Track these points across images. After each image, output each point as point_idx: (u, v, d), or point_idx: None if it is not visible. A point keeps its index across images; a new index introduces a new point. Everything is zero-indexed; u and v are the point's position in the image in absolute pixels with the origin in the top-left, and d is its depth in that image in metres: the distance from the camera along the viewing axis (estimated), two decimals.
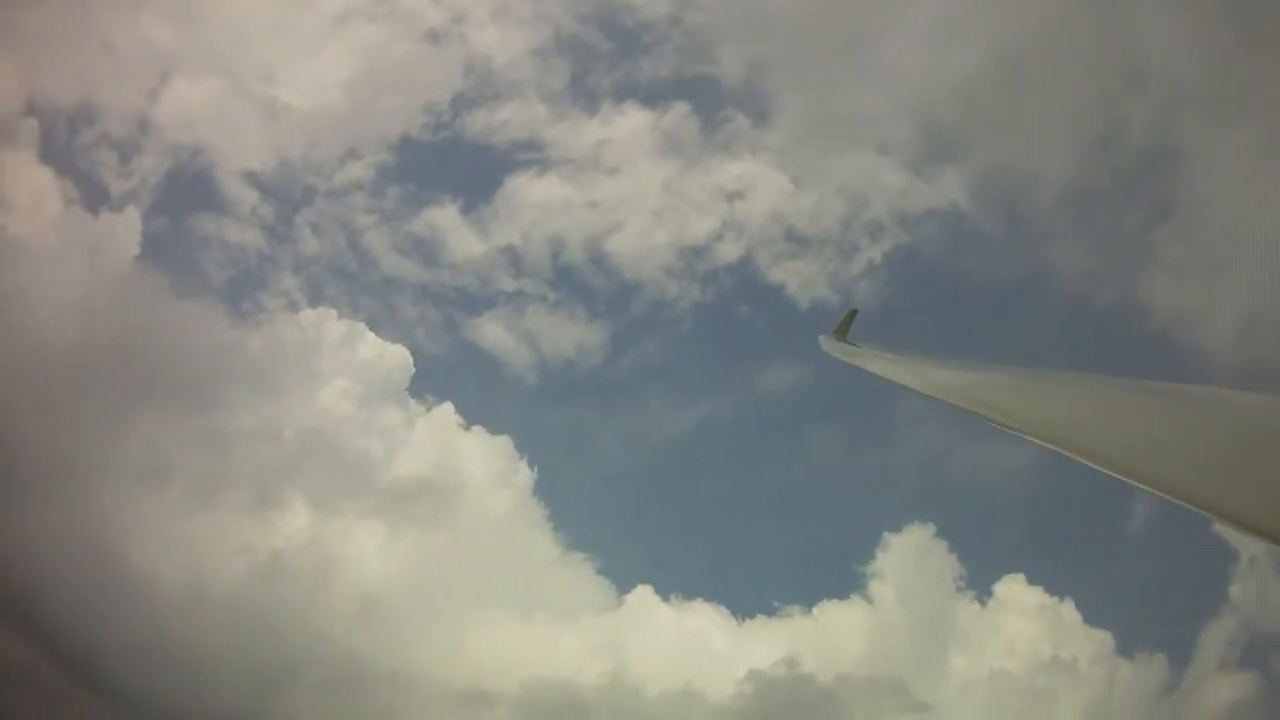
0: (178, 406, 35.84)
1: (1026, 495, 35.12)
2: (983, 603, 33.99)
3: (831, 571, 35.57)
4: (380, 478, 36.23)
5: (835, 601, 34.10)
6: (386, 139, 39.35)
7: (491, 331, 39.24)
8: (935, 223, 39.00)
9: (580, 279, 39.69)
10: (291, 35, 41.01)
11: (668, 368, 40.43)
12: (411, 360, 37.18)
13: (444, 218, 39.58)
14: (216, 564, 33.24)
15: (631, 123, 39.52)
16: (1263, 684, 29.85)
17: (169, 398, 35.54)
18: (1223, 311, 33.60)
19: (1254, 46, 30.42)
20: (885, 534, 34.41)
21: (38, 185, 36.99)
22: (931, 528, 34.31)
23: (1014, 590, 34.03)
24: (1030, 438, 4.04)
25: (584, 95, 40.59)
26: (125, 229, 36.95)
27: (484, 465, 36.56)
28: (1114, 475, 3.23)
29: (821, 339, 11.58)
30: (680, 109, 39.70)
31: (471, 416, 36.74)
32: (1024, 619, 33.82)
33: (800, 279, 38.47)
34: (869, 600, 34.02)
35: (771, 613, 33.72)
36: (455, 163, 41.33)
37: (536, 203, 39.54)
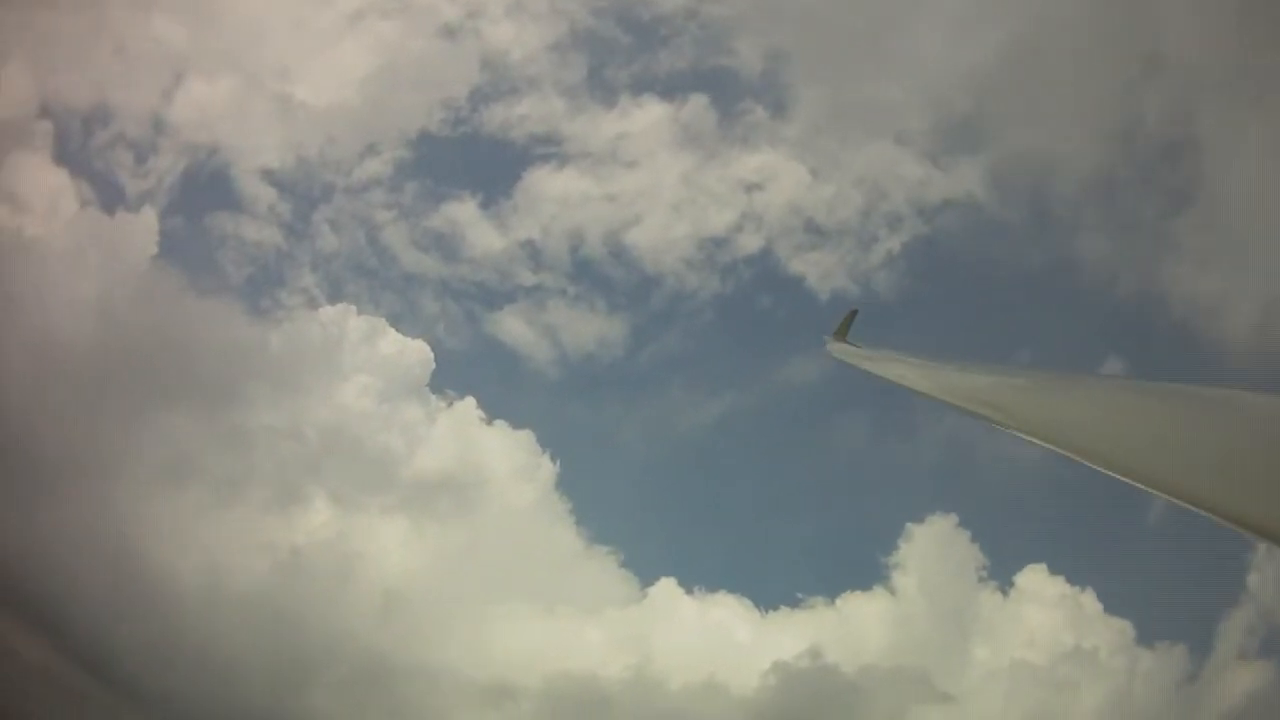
0: (197, 405, 35.90)
1: (1048, 485, 35.07)
2: (1005, 593, 34.02)
3: (854, 562, 35.61)
4: (402, 473, 36.29)
5: (858, 592, 34.14)
6: (404, 135, 39.38)
7: (512, 326, 39.28)
8: (954, 213, 39.02)
9: (600, 272, 39.75)
10: (306, 33, 41.09)
11: (689, 360, 40.45)
12: (432, 355, 37.24)
13: (463, 213, 39.62)
14: (238, 562, 33.29)
15: (649, 116, 39.52)
16: None
17: (189, 396, 35.59)
18: (1243, 300, 33.57)
19: (1274, 34, 30.37)
20: (908, 524, 34.44)
21: (53, 187, 37.06)
22: (954, 518, 34.34)
23: (1036, 580, 34.06)
24: (1030, 438, 4.05)
25: (601, 89, 40.63)
26: (142, 229, 37.03)
27: (506, 460, 36.61)
28: (1115, 476, 3.25)
29: (827, 343, 11.52)
30: (698, 101, 39.73)
31: (493, 411, 36.79)
32: (1045, 609, 33.85)
33: (820, 270, 38.50)
34: (892, 591, 34.05)
35: (795, 604, 33.76)
36: (473, 158, 41.38)
37: (555, 197, 39.57)
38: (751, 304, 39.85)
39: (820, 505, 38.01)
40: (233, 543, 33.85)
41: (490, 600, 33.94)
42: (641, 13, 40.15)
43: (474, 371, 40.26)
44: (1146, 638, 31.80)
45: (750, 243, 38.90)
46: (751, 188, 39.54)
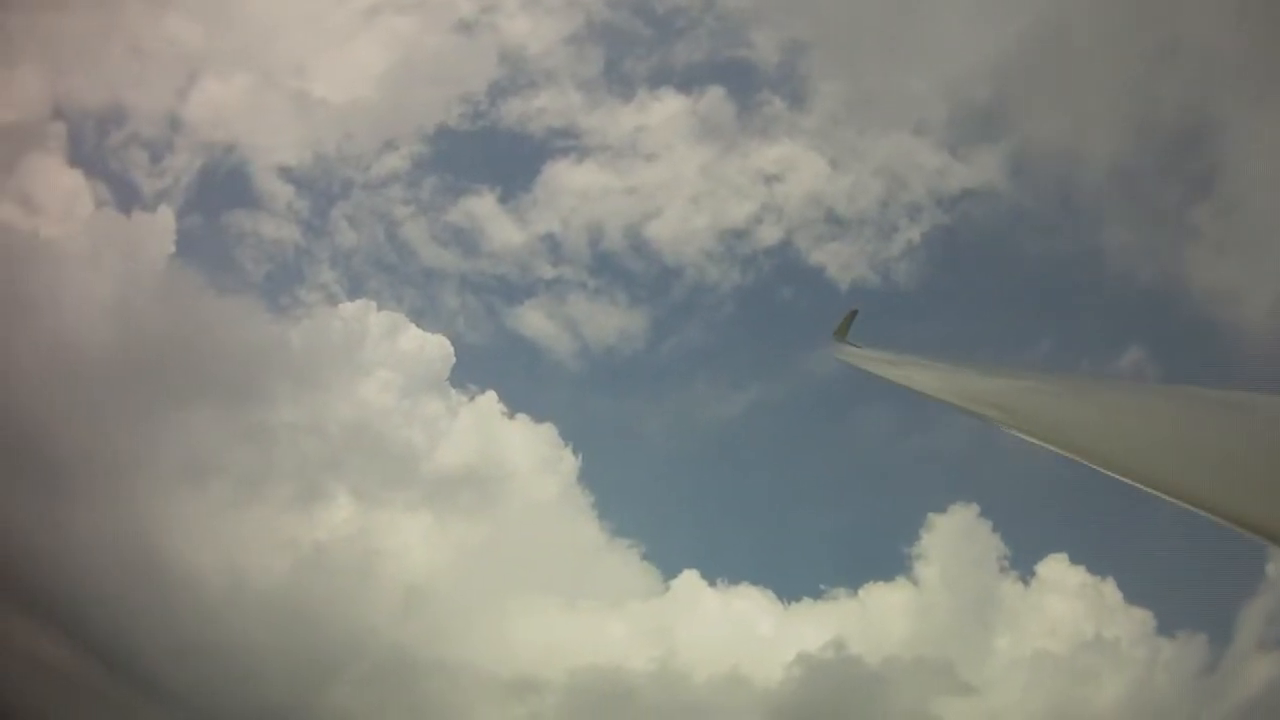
0: (218, 403, 35.94)
1: (1067, 475, 34.93)
2: (1026, 583, 34.00)
3: (877, 553, 35.64)
4: (424, 468, 36.32)
5: (881, 583, 34.12)
6: (422, 130, 39.38)
7: (533, 319, 39.30)
8: (973, 203, 38.98)
9: (620, 265, 39.75)
10: (322, 29, 41.10)
11: (710, 352, 40.47)
12: (453, 350, 37.27)
13: (482, 207, 39.65)
14: (259, 559, 33.31)
15: (668, 108, 39.53)
16: None
17: (209, 395, 35.61)
18: (1264, 287, 33.50)
19: None
20: (930, 515, 34.43)
21: (68, 188, 37.12)
22: (975, 508, 34.31)
23: (1057, 570, 34.04)
24: (1031, 439, 4.07)
25: (619, 82, 40.64)
26: (159, 228, 37.08)
27: (528, 453, 36.63)
28: (1118, 478, 3.26)
29: (834, 347, 11.44)
30: (716, 93, 39.74)
31: (515, 405, 36.81)
32: (1066, 599, 33.83)
33: (840, 260, 38.50)
34: (914, 582, 34.04)
35: (818, 596, 33.75)
36: (492, 152, 41.40)
37: (575, 190, 39.59)
38: (772, 295, 39.87)
39: (842, 496, 38.05)
40: (254, 540, 33.91)
41: (513, 594, 33.96)
42: (657, 5, 40.24)
43: (495, 365, 40.34)
44: (1167, 628, 31.81)
45: (770, 234, 38.91)
46: (771, 179, 39.57)
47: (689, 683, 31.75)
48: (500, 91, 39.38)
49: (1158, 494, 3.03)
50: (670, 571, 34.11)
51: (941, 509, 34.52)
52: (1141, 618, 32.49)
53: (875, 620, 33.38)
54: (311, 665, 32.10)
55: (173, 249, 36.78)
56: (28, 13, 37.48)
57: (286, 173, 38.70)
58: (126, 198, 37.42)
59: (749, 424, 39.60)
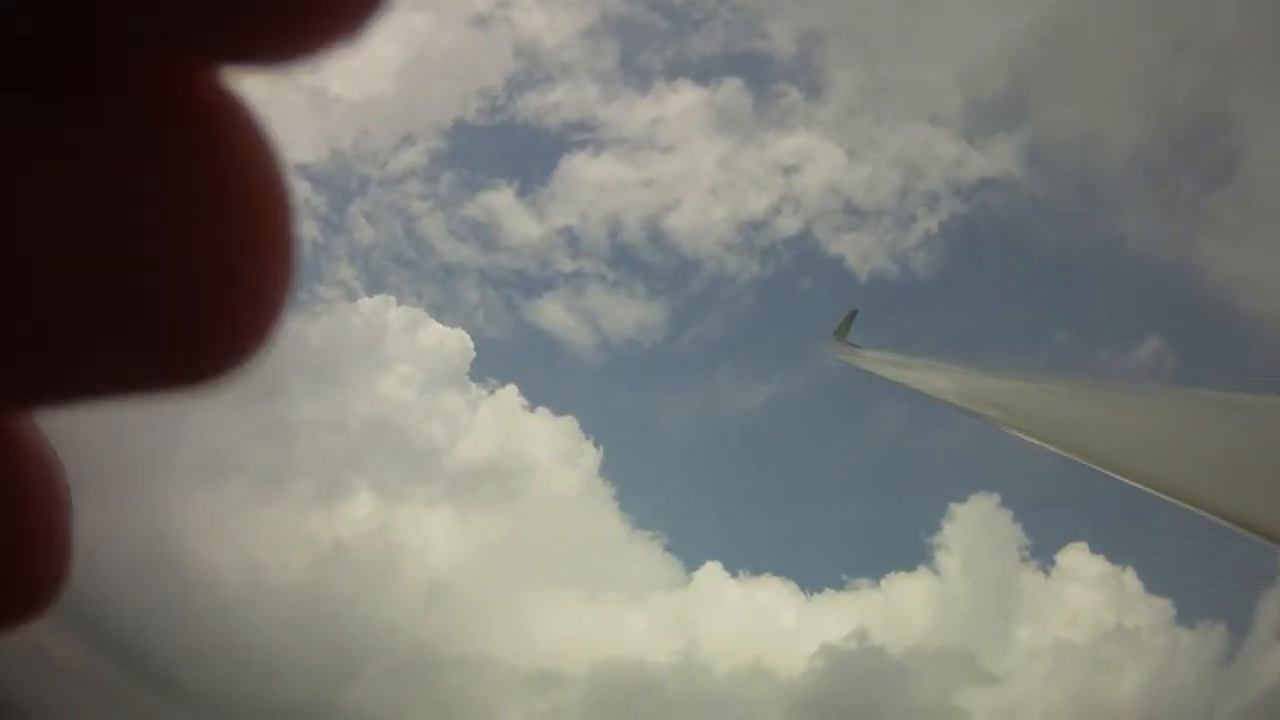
0: (236, 399, 35.90)
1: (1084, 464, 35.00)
2: (1046, 572, 33.96)
3: (899, 543, 35.42)
4: (444, 463, 36.18)
5: (903, 573, 34.06)
6: (439, 125, 39.53)
7: (552, 313, 39.47)
8: (990, 192, 39.16)
9: (639, 257, 39.95)
10: None
11: (730, 343, 40.64)
12: (472, 344, 37.33)
13: (500, 201, 39.87)
14: (279, 556, 33.23)
15: (684, 100, 39.83)
16: None
17: (227, 391, 35.53)
18: None
19: None
20: (951, 504, 34.38)
21: None
22: (996, 497, 34.28)
23: (1077, 559, 33.99)
24: (1031, 440, 4.02)
25: (635, 74, 40.90)
26: None
27: (549, 447, 36.56)
28: (1123, 480, 3.20)
29: (834, 346, 11.36)
30: (732, 85, 39.98)
31: (535, 398, 36.77)
32: (1087, 588, 33.79)
33: (859, 251, 38.66)
34: (936, 572, 33.95)
35: (840, 586, 33.58)
36: (509, 146, 41.61)
37: (592, 183, 39.84)
38: (792, 286, 40.08)
39: (863, 486, 37.96)
40: (273, 537, 33.77)
41: (534, 588, 33.77)
42: None
43: (515, 359, 40.44)
44: (1187, 617, 31.76)
45: (789, 225, 39.11)
46: (788, 170, 39.80)
47: (711, 675, 31.65)
48: (516, 85, 39.63)
49: (1169, 499, 2.98)
50: (693, 563, 34.03)
51: (962, 498, 34.49)
52: (1161, 607, 32.47)
53: (898, 611, 33.25)
54: (331, 662, 32.00)
55: None
56: None
57: (303, 170, 38.67)
58: None
59: (770, 415, 39.71)
